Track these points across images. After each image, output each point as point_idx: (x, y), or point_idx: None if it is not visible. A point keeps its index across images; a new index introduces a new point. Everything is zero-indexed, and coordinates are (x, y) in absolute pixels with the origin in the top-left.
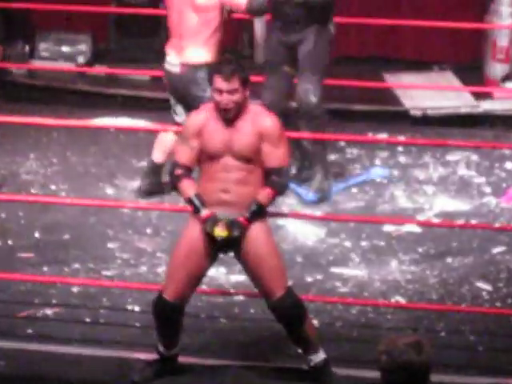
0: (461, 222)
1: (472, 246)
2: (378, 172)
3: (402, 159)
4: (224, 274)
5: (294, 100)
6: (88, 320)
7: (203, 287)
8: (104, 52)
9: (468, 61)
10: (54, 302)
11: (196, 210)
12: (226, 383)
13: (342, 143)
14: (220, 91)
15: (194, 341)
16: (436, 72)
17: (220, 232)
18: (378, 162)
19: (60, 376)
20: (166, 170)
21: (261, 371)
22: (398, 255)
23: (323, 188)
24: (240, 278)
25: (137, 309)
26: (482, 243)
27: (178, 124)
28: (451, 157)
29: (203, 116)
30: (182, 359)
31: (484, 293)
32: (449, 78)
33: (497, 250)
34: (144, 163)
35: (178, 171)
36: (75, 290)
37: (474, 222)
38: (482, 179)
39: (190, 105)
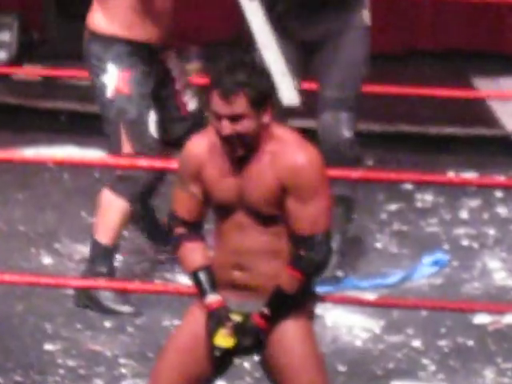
0: None
1: None
2: (426, 267)
3: (502, 211)
4: None
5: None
6: None
7: None
8: (37, 44)
9: None
10: None
11: (201, 293)
12: None
13: (409, 186)
14: (218, 116)
15: None
16: None
17: (223, 340)
18: (463, 214)
19: None
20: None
21: None
22: (496, 361)
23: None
24: None
25: None
26: None
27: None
28: None
29: (204, 146)
30: None
31: None
32: None
33: None
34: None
35: (178, 230)
36: None
37: None
38: None
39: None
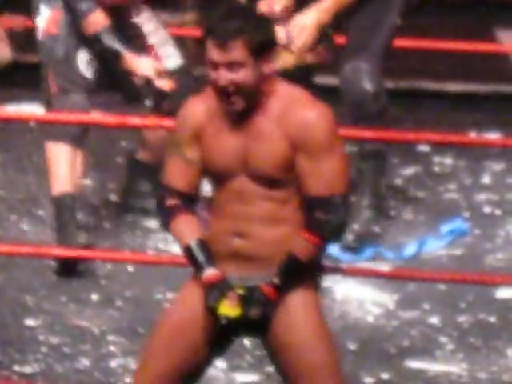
0: None
1: None
2: (444, 236)
3: None
4: (224, 372)
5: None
6: None
7: None
8: None
9: None
10: None
11: (197, 268)
12: None
13: (426, 148)
14: (214, 64)
15: None
16: None
17: (228, 310)
18: (485, 179)
19: None
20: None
21: None
22: None
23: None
24: (251, 377)
25: None
26: None
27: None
28: None
29: (203, 108)
30: None
31: None
32: None
33: None
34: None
35: (171, 202)
36: None
37: None
38: None
39: None
